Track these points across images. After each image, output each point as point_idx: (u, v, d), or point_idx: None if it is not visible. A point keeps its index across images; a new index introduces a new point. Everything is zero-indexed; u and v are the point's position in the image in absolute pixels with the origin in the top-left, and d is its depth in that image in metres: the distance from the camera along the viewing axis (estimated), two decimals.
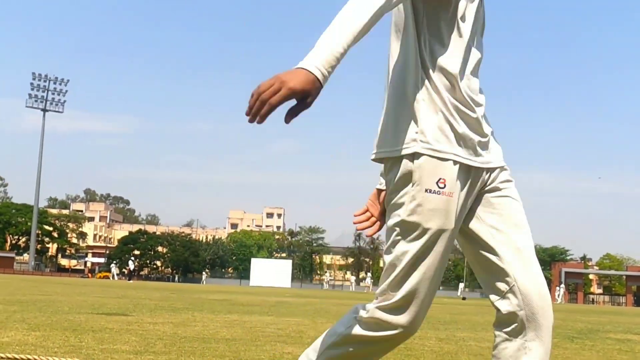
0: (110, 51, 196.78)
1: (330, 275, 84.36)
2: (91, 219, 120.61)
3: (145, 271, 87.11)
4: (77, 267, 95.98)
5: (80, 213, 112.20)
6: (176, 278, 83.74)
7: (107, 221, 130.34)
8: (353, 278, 76.68)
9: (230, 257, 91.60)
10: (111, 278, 56.60)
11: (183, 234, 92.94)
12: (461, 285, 68.22)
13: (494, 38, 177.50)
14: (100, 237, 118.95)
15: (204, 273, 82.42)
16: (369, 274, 67.35)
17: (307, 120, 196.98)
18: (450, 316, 14.92)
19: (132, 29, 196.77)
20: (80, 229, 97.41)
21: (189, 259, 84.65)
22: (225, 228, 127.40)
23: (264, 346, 6.13)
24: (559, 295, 66.34)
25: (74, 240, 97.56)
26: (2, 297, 13.15)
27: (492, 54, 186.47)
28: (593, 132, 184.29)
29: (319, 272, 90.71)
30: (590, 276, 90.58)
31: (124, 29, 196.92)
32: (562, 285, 70.65)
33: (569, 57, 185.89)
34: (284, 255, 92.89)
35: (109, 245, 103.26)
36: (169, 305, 13.02)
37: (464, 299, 47.20)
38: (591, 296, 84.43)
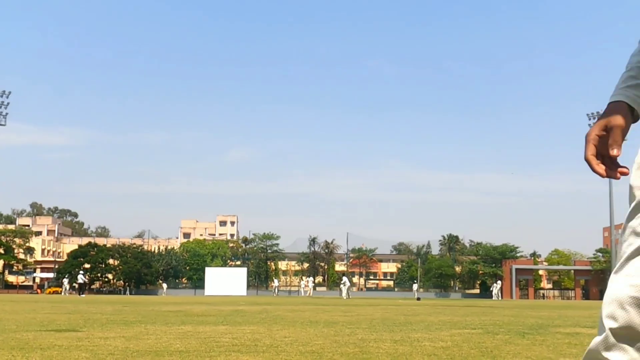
0: (54, 62, 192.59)
1: (278, 282, 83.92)
2: (38, 233, 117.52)
3: (97, 285, 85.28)
4: (25, 284, 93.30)
5: (27, 228, 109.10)
6: (128, 291, 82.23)
7: (56, 235, 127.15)
8: (311, 284, 76.53)
9: (183, 267, 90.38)
10: (63, 293, 55.10)
11: (134, 246, 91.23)
12: (415, 286, 69.05)
13: (441, 45, 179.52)
14: (48, 251, 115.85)
15: (164, 284, 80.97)
16: (310, 279, 67.61)
17: (259, 128, 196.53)
18: (405, 317, 15.07)
19: (77, 39, 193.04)
20: (27, 244, 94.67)
21: (141, 271, 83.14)
22: (177, 238, 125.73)
23: (218, 357, 6.11)
24: (495, 292, 67.98)
25: (21, 256, 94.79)
26: None
27: (439, 61, 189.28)
28: (539, 132, 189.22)
29: (274, 278, 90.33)
30: (540, 272, 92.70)
31: (68, 39, 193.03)
32: (499, 282, 72.56)
33: (518, 63, 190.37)
34: (238, 263, 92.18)
35: (58, 259, 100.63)
36: (121, 319, 12.84)
37: (418, 299, 47.72)
38: (542, 291, 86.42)
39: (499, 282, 73.32)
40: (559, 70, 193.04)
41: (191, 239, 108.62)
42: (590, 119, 78.06)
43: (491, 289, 69.76)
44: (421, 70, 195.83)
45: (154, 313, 16.12)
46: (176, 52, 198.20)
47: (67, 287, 60.40)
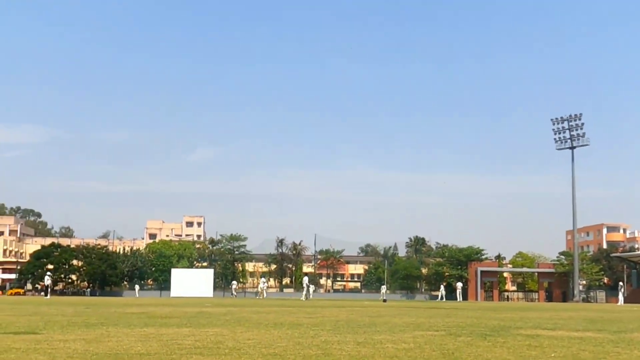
0: (13, 57, 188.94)
1: (237, 284, 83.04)
2: (0, 233, 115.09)
3: (60, 286, 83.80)
4: None
5: None
6: (94, 292, 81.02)
7: (18, 235, 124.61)
8: (264, 284, 75.85)
9: (149, 268, 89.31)
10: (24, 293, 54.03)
11: (99, 246, 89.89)
12: (383, 287, 69.32)
13: (410, 49, 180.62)
14: (10, 252, 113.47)
15: (136, 286, 79.62)
16: (263, 279, 66.98)
17: (225, 128, 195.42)
18: (370, 319, 15.09)
19: (36, 36, 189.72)
20: None
21: (106, 272, 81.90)
22: (143, 239, 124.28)
23: (179, 359, 6.05)
24: (458, 292, 69.06)
25: None
26: None
27: (408, 64, 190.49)
28: (505, 134, 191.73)
29: (241, 280, 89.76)
30: (505, 274, 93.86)
31: (27, 36, 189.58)
32: (444, 284, 74.02)
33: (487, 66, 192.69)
34: (205, 264, 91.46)
35: (20, 260, 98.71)
36: (82, 321, 12.63)
37: (384, 301, 47.82)
38: (506, 293, 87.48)
39: (444, 284, 74.70)
40: (523, 74, 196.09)
41: (157, 240, 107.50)
42: (554, 124, 79.57)
43: (457, 290, 70.44)
44: (386, 70, 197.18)
45: (116, 315, 15.84)
46: (142, 49, 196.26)
47: (30, 287, 59.50)
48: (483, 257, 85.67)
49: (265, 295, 61.73)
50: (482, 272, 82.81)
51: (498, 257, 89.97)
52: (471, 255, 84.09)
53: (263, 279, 55.13)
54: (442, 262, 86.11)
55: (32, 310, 19.07)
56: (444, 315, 18.02)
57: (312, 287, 67.58)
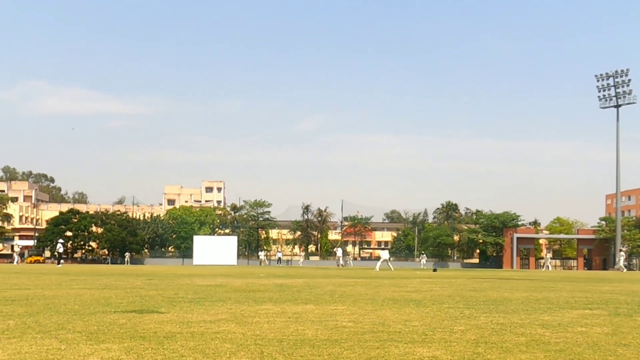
0: (31, 16, 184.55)
1: (265, 251, 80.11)
2: (14, 199, 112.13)
3: (79, 253, 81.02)
4: (4, 252, 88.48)
5: (2, 193, 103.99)
6: (115, 260, 77.99)
7: (33, 201, 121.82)
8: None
9: (170, 236, 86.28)
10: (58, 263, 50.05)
11: (118, 213, 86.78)
12: (423, 256, 65.85)
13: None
14: (26, 218, 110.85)
15: (126, 254, 75.01)
16: (340, 249, 63.35)
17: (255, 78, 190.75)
18: (476, 294, 11.31)
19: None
20: (4, 211, 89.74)
21: (126, 239, 78.80)
22: (161, 205, 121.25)
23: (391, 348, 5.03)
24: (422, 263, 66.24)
25: None
26: None
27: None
28: (542, 97, 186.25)
29: (265, 247, 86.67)
30: (540, 241, 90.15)
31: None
32: (424, 254, 72.16)
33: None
34: (227, 231, 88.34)
35: (37, 227, 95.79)
36: (183, 297, 10.71)
37: (435, 270, 44.39)
38: (541, 260, 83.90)
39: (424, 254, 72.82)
40: (570, 29, 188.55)
41: (176, 206, 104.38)
42: (598, 81, 74.95)
43: (543, 261, 66.89)
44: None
45: (199, 288, 13.38)
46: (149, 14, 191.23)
47: (49, 255, 56.15)
48: (519, 223, 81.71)
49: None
50: (518, 238, 79.20)
51: (534, 223, 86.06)
52: (507, 222, 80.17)
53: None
54: (476, 229, 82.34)
55: (95, 282, 16.31)
56: (552, 289, 15.07)
57: (349, 257, 64.66)
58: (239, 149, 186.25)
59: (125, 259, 74.15)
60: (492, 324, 6.99)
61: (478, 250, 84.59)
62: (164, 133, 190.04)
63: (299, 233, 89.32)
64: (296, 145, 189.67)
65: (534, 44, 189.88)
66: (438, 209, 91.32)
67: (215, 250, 74.03)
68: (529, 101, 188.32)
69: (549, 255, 73.50)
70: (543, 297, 11.74)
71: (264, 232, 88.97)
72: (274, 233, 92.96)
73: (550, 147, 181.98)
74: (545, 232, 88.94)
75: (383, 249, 59.14)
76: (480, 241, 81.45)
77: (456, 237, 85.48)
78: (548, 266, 64.03)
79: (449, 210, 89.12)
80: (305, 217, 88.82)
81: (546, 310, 9.00)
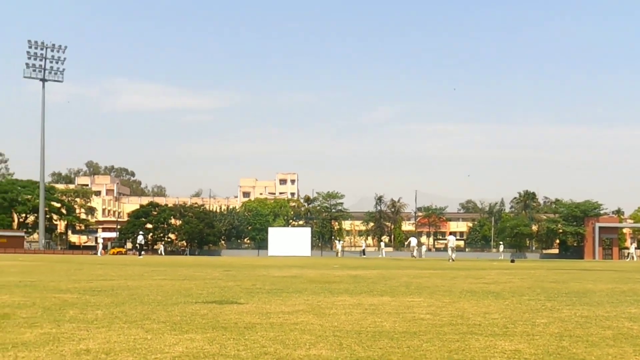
0: (112, 14, 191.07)
1: (342, 242, 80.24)
2: (97, 193, 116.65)
3: (159, 245, 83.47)
4: (88, 244, 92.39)
5: (87, 187, 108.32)
6: (193, 251, 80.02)
7: (115, 195, 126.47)
8: (382, 244, 73.08)
9: (245, 227, 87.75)
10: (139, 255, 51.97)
11: (196, 205, 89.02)
12: (502, 246, 64.35)
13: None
14: (109, 211, 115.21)
15: (161, 245, 76.94)
16: (414, 238, 62.65)
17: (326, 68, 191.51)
18: (563, 285, 10.76)
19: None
20: (88, 204, 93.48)
21: (204, 231, 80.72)
22: (237, 197, 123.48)
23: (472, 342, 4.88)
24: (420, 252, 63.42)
25: (83, 216, 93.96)
26: (67, 285, 11.01)
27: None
28: (624, 81, 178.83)
29: (338, 238, 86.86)
30: (624, 230, 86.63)
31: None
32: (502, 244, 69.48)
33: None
34: (301, 222, 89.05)
35: (119, 219, 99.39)
36: (260, 288, 10.72)
37: (512, 261, 43.36)
38: (626, 251, 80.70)
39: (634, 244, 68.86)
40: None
41: (251, 198, 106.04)
42: None
43: (627, 251, 64.61)
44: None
45: (277, 280, 13.54)
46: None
47: (131, 247, 58.14)
48: (602, 212, 78.69)
49: (420, 255, 58.38)
50: (600, 228, 76.33)
51: (617, 211, 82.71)
52: (588, 211, 77.39)
53: (414, 238, 51.93)
54: (555, 219, 79.84)
55: (175, 273, 16.78)
56: (638, 281, 14.43)
57: (423, 248, 63.96)
58: (311, 141, 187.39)
59: (159, 251, 75.64)
60: (576, 316, 6.81)
61: (557, 241, 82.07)
62: (237, 126, 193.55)
63: (372, 224, 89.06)
64: (367, 136, 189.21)
65: (612, 26, 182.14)
66: (515, 198, 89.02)
67: (289, 241, 74.84)
68: (608, 85, 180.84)
69: (634, 245, 70.57)
70: (629, 289, 11.30)
71: (336, 223, 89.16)
72: (346, 224, 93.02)
73: (633, 131, 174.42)
74: (629, 221, 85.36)
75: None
76: (560, 231, 78.99)
77: (534, 227, 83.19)
78: (633, 257, 61.51)
79: (527, 199, 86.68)
80: (378, 208, 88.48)
81: (633, 302, 8.70)
